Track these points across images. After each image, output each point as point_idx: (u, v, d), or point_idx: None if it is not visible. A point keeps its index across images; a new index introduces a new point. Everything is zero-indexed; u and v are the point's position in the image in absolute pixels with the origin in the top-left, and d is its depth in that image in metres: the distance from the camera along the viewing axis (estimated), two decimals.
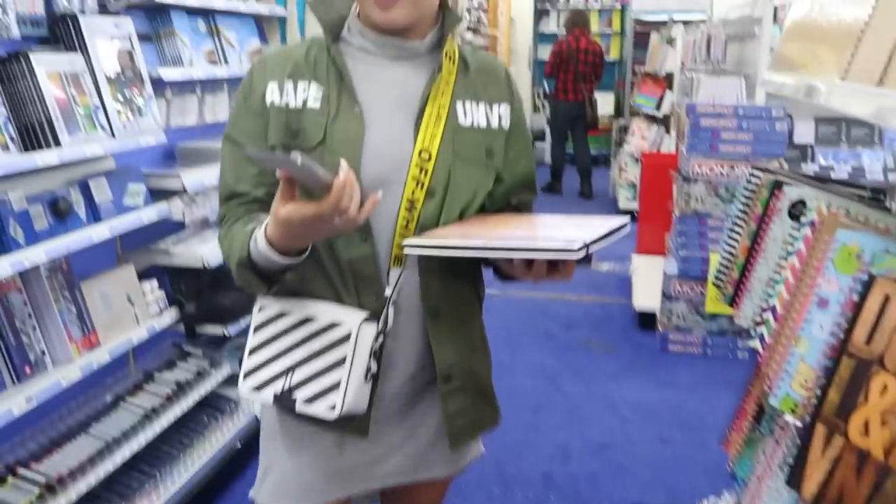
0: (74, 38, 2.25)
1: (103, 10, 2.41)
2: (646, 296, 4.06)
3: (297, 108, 1.19)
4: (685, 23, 6.11)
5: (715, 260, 1.76)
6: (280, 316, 1.21)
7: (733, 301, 1.63)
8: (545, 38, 9.90)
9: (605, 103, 9.05)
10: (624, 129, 7.32)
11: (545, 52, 9.80)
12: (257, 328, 1.22)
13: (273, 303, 1.22)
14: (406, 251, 1.14)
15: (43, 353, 2.20)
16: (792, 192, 1.51)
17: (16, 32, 2.02)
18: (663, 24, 7.30)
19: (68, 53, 2.22)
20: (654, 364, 3.63)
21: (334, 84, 1.19)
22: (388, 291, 1.18)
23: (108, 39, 2.34)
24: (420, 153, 1.18)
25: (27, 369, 2.14)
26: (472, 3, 7.29)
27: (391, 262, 1.19)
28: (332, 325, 1.17)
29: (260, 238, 1.09)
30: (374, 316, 1.17)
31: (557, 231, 1.11)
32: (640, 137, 6.37)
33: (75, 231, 2.22)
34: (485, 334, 1.41)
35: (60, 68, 2.16)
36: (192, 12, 2.79)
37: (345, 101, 1.18)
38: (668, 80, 6.01)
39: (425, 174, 1.18)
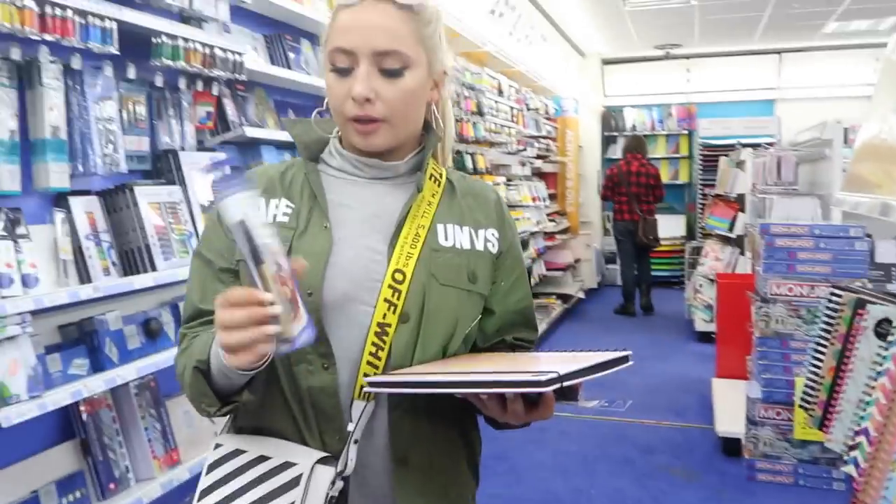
0: (174, 171, 2.45)
1: (200, 146, 2.62)
2: (729, 420, 3.89)
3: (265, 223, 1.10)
4: (753, 146, 6.17)
5: (801, 383, 1.70)
6: (235, 454, 1.09)
7: (823, 424, 1.57)
8: (613, 164, 10.09)
9: (675, 226, 9.10)
10: (696, 251, 7.26)
11: None
12: (210, 467, 1.10)
13: (230, 440, 1.12)
14: (365, 389, 1.04)
15: (127, 469, 2.25)
16: (876, 311, 1.48)
17: (124, 167, 2.22)
18: (731, 147, 7.37)
19: (168, 186, 2.41)
20: (742, 493, 3.42)
21: (307, 202, 1.13)
22: (349, 427, 1.06)
23: (204, 172, 2.53)
24: (394, 274, 1.07)
25: (112, 486, 2.19)
26: (541, 131, 7.55)
27: (355, 394, 1.06)
28: (285, 465, 1.04)
29: (216, 341, 0.97)
30: (334, 457, 1.04)
31: (539, 366, 0.96)
32: (715, 259, 6.30)
33: (164, 350, 2.33)
34: (474, 493, 1.23)
35: (160, 199, 2.34)
36: (280, 146, 3.00)
37: (315, 218, 1.11)
38: (739, 202, 6.00)
39: (398, 296, 1.07)
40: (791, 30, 8.20)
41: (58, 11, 1.83)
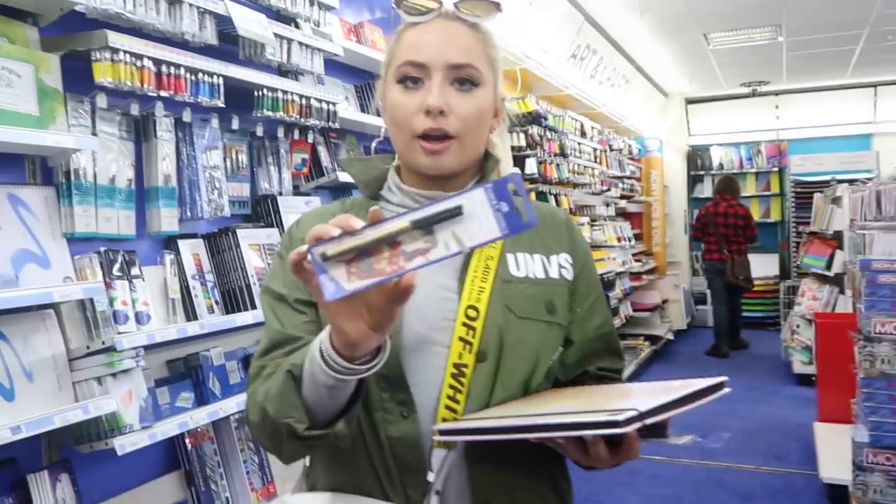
0: (272, 214, 2.58)
1: (296, 190, 2.76)
2: (834, 466, 3.69)
3: None
4: (850, 182, 5.95)
5: None
6: None
7: None
8: (700, 203, 9.86)
9: (768, 265, 8.80)
10: (792, 290, 6.99)
11: None
12: None
13: (303, 499, 1.07)
14: (435, 438, 0.97)
15: (228, 500, 2.34)
16: None
17: (227, 212, 2.36)
18: (825, 184, 7.13)
19: (266, 228, 2.54)
20: None
21: None
22: (430, 477, 0.99)
23: (299, 215, 2.65)
24: (467, 310, 1.02)
25: None
26: (625, 171, 7.51)
27: (435, 442, 1.00)
28: None
29: (323, 340, 0.88)
30: None
31: (622, 402, 0.87)
32: (812, 298, 6.05)
33: None
34: None
35: (259, 241, 2.47)
36: None
37: None
38: (836, 239, 5.78)
39: (473, 334, 1.01)
40: (886, 63, 7.92)
41: (172, 70, 1.99)
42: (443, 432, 0.96)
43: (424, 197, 1.08)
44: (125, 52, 1.85)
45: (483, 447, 1.00)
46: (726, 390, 0.90)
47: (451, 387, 1.00)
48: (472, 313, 1.02)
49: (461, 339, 1.01)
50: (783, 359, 6.62)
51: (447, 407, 0.99)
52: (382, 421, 1.01)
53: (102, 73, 1.82)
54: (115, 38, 1.81)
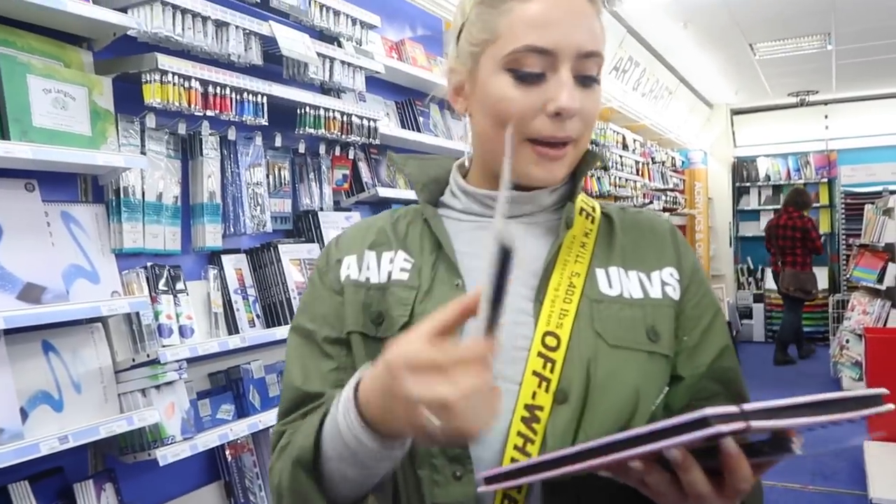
0: (313, 229, 2.63)
1: (337, 206, 2.80)
2: (885, 487, 3.59)
3: (379, 283, 0.88)
4: None
5: None
6: None
7: None
8: (746, 215, 9.72)
9: (817, 278, 8.59)
10: (841, 305, 6.82)
11: (747, 229, 9.61)
12: None
13: None
14: (480, 489, 0.73)
15: None
16: None
17: (269, 227, 2.41)
18: (877, 195, 6.95)
19: (307, 243, 2.58)
20: None
21: (429, 254, 0.88)
22: None
23: (340, 229, 2.69)
24: (544, 338, 0.81)
25: None
26: (668, 184, 7.43)
27: None
28: None
29: (346, 402, 0.71)
30: None
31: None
32: (862, 312, 5.89)
33: None
34: None
35: (300, 255, 2.51)
36: (409, 203, 3.14)
37: (441, 274, 0.86)
38: (889, 252, 5.62)
39: (552, 368, 0.80)
40: None
41: (218, 90, 2.05)
42: (487, 480, 0.72)
43: (493, 199, 0.89)
44: (173, 73, 1.91)
45: (557, 500, 0.79)
46: (889, 407, 0.67)
47: (521, 434, 0.78)
48: (550, 342, 0.81)
49: (536, 373, 0.80)
50: (832, 375, 6.46)
51: (513, 460, 0.77)
52: (429, 481, 0.80)
53: (152, 95, 1.88)
54: (164, 61, 1.87)
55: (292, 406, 0.87)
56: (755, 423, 0.60)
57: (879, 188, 7.38)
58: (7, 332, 1.67)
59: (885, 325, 5.45)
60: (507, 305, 0.74)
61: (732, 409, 0.59)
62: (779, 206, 9.16)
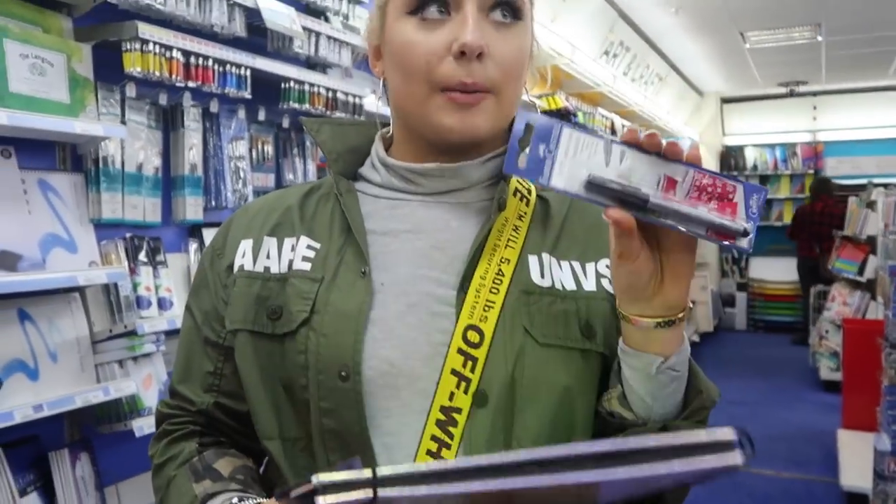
0: None
1: None
2: (856, 474, 3.65)
3: (279, 273, 0.80)
4: (885, 186, 5.84)
5: None
6: None
7: None
8: None
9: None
10: (822, 295, 6.90)
11: None
12: None
13: None
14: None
15: None
16: None
17: (251, 201, 2.39)
18: (861, 187, 7.00)
19: None
20: None
21: (337, 237, 0.80)
22: None
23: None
24: (465, 332, 0.73)
25: None
26: None
27: None
28: None
29: None
30: None
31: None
32: (842, 303, 5.96)
33: None
34: None
35: None
36: None
37: (347, 259, 0.78)
38: (870, 244, 5.68)
39: (472, 367, 0.73)
40: None
41: (201, 61, 2.03)
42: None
43: (418, 174, 0.81)
44: (155, 42, 1.89)
45: None
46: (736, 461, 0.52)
47: (435, 438, 0.72)
48: (473, 337, 0.73)
49: (454, 372, 0.72)
50: (810, 364, 6.53)
51: (374, 467, 0.64)
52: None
53: (132, 63, 1.86)
54: (145, 29, 1.85)
55: (172, 393, 0.87)
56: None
57: (864, 181, 7.44)
58: None
59: (864, 316, 5.52)
60: (424, 294, 0.76)
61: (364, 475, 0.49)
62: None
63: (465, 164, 0.80)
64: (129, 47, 1.86)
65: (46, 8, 1.85)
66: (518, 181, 0.84)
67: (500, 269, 0.76)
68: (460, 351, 0.73)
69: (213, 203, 2.29)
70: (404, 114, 0.80)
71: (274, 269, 0.80)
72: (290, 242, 0.81)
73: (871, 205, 5.76)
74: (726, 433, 0.52)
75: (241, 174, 2.36)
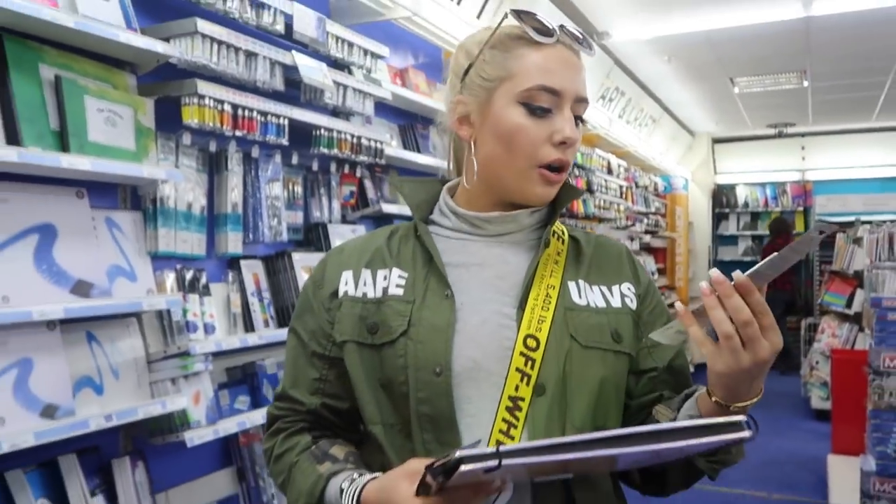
0: (322, 240, 2.86)
1: (343, 219, 3.04)
2: (844, 495, 3.85)
3: (375, 298, 1.01)
4: (869, 223, 6.11)
5: None
6: None
7: None
8: (725, 240, 10.07)
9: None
10: (813, 328, 7.12)
11: (725, 254, 9.95)
12: None
13: None
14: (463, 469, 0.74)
15: (273, 496, 2.59)
16: None
17: (284, 237, 2.64)
18: (849, 224, 7.28)
19: (317, 252, 2.82)
20: None
21: (421, 268, 1.02)
22: None
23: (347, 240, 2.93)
24: (525, 340, 0.96)
25: None
26: (650, 208, 7.73)
27: None
28: None
29: (349, 493, 0.92)
30: None
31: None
32: (831, 335, 6.17)
33: None
34: None
35: (311, 263, 2.74)
36: (409, 218, 3.39)
37: (432, 285, 1.00)
38: (858, 278, 5.93)
39: (532, 366, 0.95)
40: None
41: (247, 113, 2.29)
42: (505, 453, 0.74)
43: (484, 220, 1.04)
44: (210, 97, 2.15)
45: (553, 489, 0.94)
46: (745, 434, 0.77)
47: (505, 420, 0.94)
48: (531, 343, 0.96)
49: (518, 370, 0.95)
50: (802, 395, 6.73)
51: (499, 442, 0.94)
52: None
53: (190, 116, 2.12)
54: (203, 87, 2.11)
55: (279, 397, 1.07)
56: (507, 462, 0.71)
57: (852, 218, 7.71)
58: (60, 322, 1.89)
59: (853, 347, 5.74)
60: (493, 312, 0.99)
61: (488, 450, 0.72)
62: (757, 232, 9.55)
63: (520, 213, 1.04)
64: (187, 101, 2.12)
65: (114, 67, 2.12)
66: (555, 225, 1.08)
67: (548, 293, 1.00)
68: (522, 354, 0.96)
69: (251, 238, 2.53)
70: (495, 177, 1.01)
71: (370, 295, 1.02)
72: (384, 273, 1.03)
73: (857, 241, 6.02)
74: (739, 417, 0.78)
75: (276, 212, 2.60)
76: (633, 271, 1.09)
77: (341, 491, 0.93)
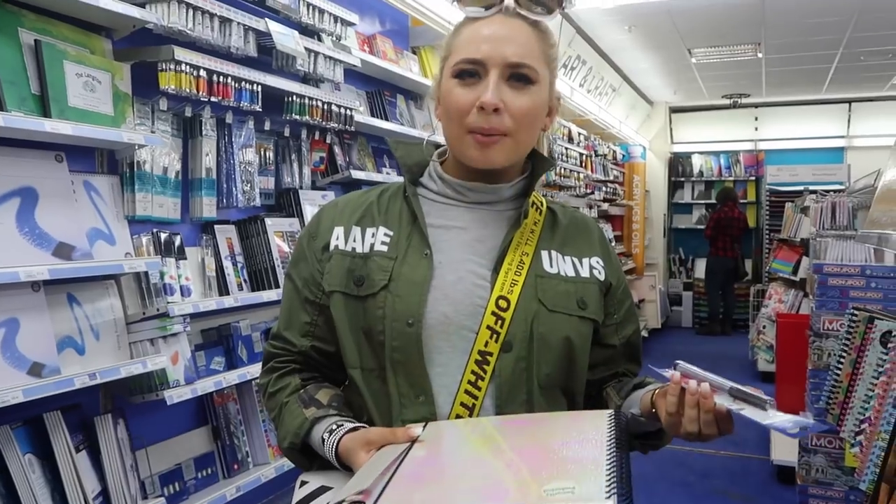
0: (294, 206, 2.92)
1: (314, 185, 3.09)
2: (785, 450, 4.09)
3: (363, 252, 1.10)
4: (815, 192, 6.36)
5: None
6: (321, 491, 1.05)
7: (839, 420, 1.87)
8: (680, 208, 10.32)
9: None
10: (761, 294, 7.42)
11: (680, 221, 10.22)
12: None
13: (315, 476, 1.08)
14: None
15: (247, 454, 2.68)
16: (882, 325, 1.79)
17: (258, 202, 2.69)
18: (798, 194, 7.55)
19: (289, 218, 2.88)
20: None
21: (405, 227, 1.11)
22: None
23: (316, 206, 3.00)
24: (497, 300, 1.05)
25: (235, 466, 2.62)
26: (608, 176, 7.89)
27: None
28: None
29: (329, 444, 1.02)
30: None
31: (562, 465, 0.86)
32: (778, 301, 6.45)
33: None
34: None
35: (283, 228, 2.80)
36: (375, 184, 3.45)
37: (414, 244, 1.09)
38: (804, 246, 6.18)
39: (501, 324, 1.04)
40: (859, 81, 8.36)
41: (222, 79, 2.33)
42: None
43: (465, 188, 1.12)
44: (186, 63, 2.18)
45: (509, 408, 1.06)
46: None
47: (473, 372, 1.04)
48: (502, 304, 1.05)
49: (489, 327, 1.04)
50: (749, 358, 7.03)
51: (466, 391, 1.03)
52: (397, 404, 1.05)
53: (167, 82, 2.15)
54: (180, 53, 2.14)
55: (274, 337, 1.17)
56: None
57: (801, 188, 7.99)
58: (43, 283, 1.94)
59: (798, 312, 6.01)
60: (469, 272, 1.07)
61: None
62: (711, 201, 9.81)
63: (499, 186, 1.13)
64: (164, 67, 2.16)
65: (90, 31, 2.13)
66: (534, 196, 1.17)
67: (521, 259, 1.09)
68: (493, 313, 1.05)
69: (225, 202, 2.58)
70: (449, 145, 1.12)
71: (358, 250, 1.11)
72: (371, 231, 1.12)
73: (804, 210, 6.27)
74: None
75: (249, 177, 2.65)
76: (604, 250, 1.18)
77: (323, 440, 1.03)
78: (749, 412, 0.95)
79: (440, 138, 1.15)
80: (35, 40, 1.91)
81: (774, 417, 0.95)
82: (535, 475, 0.83)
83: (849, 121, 9.56)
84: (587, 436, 0.92)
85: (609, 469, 0.82)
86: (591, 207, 7.22)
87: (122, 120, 2.14)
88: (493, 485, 0.85)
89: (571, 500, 0.77)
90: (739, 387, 0.97)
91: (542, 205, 1.18)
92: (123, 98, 2.15)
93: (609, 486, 0.79)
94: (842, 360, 1.92)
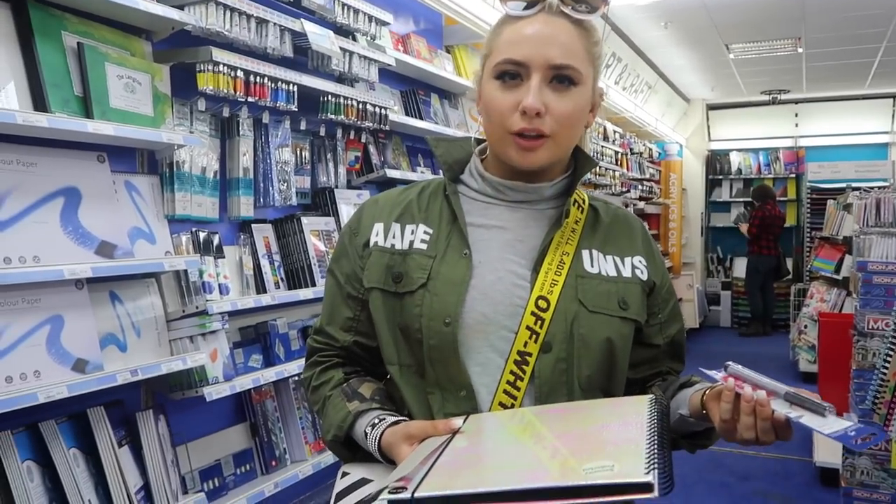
0: (329, 204, 2.94)
1: (349, 184, 3.11)
2: (828, 452, 4.01)
3: (402, 250, 1.10)
4: (858, 189, 6.22)
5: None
6: (362, 483, 1.07)
7: (886, 420, 1.82)
8: (717, 207, 10.17)
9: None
10: (802, 293, 7.27)
11: (718, 220, 10.06)
12: (339, 496, 1.08)
13: (357, 468, 1.10)
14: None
15: (285, 450, 2.71)
16: None
17: (294, 201, 2.72)
18: (840, 191, 7.38)
19: (324, 217, 2.90)
20: None
21: (445, 226, 1.11)
22: None
23: (352, 205, 3.01)
24: (537, 301, 1.04)
25: (273, 463, 2.65)
26: (644, 174, 7.81)
27: None
28: None
29: (371, 438, 1.03)
30: None
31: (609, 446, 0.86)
32: (820, 300, 6.32)
33: None
34: None
35: (319, 227, 2.83)
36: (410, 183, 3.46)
37: (454, 243, 1.09)
38: (846, 244, 6.05)
39: (541, 325, 1.03)
40: None
41: (259, 79, 2.35)
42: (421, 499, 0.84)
43: (506, 187, 1.10)
44: (224, 64, 2.21)
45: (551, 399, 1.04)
46: (652, 495, 0.76)
47: (512, 373, 1.03)
48: (542, 304, 1.04)
49: (528, 327, 1.03)
50: (790, 358, 6.90)
51: (505, 391, 1.03)
52: (439, 400, 1.05)
53: (206, 82, 2.18)
54: (218, 54, 2.17)
55: (319, 331, 1.17)
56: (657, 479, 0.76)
57: (843, 185, 7.82)
58: (86, 281, 1.98)
59: (840, 311, 5.88)
60: (508, 272, 1.07)
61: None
62: (748, 199, 9.65)
63: (540, 185, 1.11)
64: (202, 68, 2.19)
65: (129, 33, 2.17)
66: (577, 193, 1.14)
67: (561, 259, 1.08)
68: (533, 313, 1.04)
69: (262, 202, 2.61)
70: (491, 145, 1.10)
71: (398, 247, 1.11)
72: (411, 228, 1.12)
73: (847, 207, 6.13)
74: (649, 478, 0.78)
75: (286, 176, 2.68)
76: (647, 248, 1.15)
77: (365, 434, 1.04)
78: (807, 419, 0.93)
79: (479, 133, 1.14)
80: (78, 43, 1.95)
81: (834, 424, 0.93)
82: (576, 456, 0.84)
83: (893, 116, 9.33)
84: (628, 419, 0.91)
85: (649, 447, 0.81)
86: (627, 206, 7.15)
87: (162, 120, 2.18)
88: (534, 467, 0.86)
89: (611, 477, 0.77)
90: (795, 391, 0.94)
91: (584, 202, 1.15)
92: (163, 99, 2.18)
93: (649, 462, 0.78)
94: (888, 359, 1.87)
